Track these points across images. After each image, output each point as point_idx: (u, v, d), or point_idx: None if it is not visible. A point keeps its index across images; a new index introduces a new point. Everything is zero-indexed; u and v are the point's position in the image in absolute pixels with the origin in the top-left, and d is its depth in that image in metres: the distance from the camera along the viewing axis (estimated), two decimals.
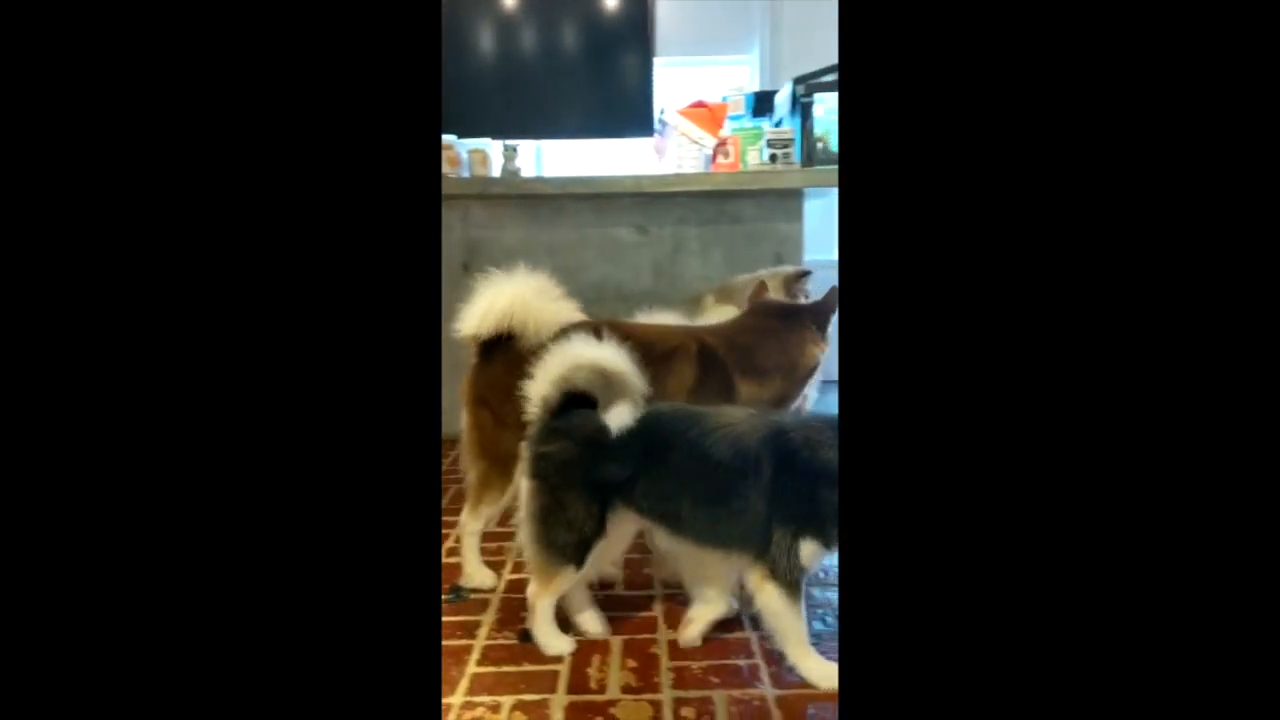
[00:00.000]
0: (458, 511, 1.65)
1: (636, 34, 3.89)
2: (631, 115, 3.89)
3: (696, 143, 2.39)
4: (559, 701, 1.15)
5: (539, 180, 2.50)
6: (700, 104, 2.50)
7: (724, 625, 1.35)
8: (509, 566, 1.62)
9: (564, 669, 1.23)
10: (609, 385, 1.21)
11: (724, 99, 2.51)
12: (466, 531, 1.54)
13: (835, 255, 3.95)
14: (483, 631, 1.36)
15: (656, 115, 2.72)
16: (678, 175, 2.49)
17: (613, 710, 1.12)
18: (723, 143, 2.40)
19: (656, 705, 1.13)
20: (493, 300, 1.45)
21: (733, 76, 3.81)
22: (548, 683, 1.19)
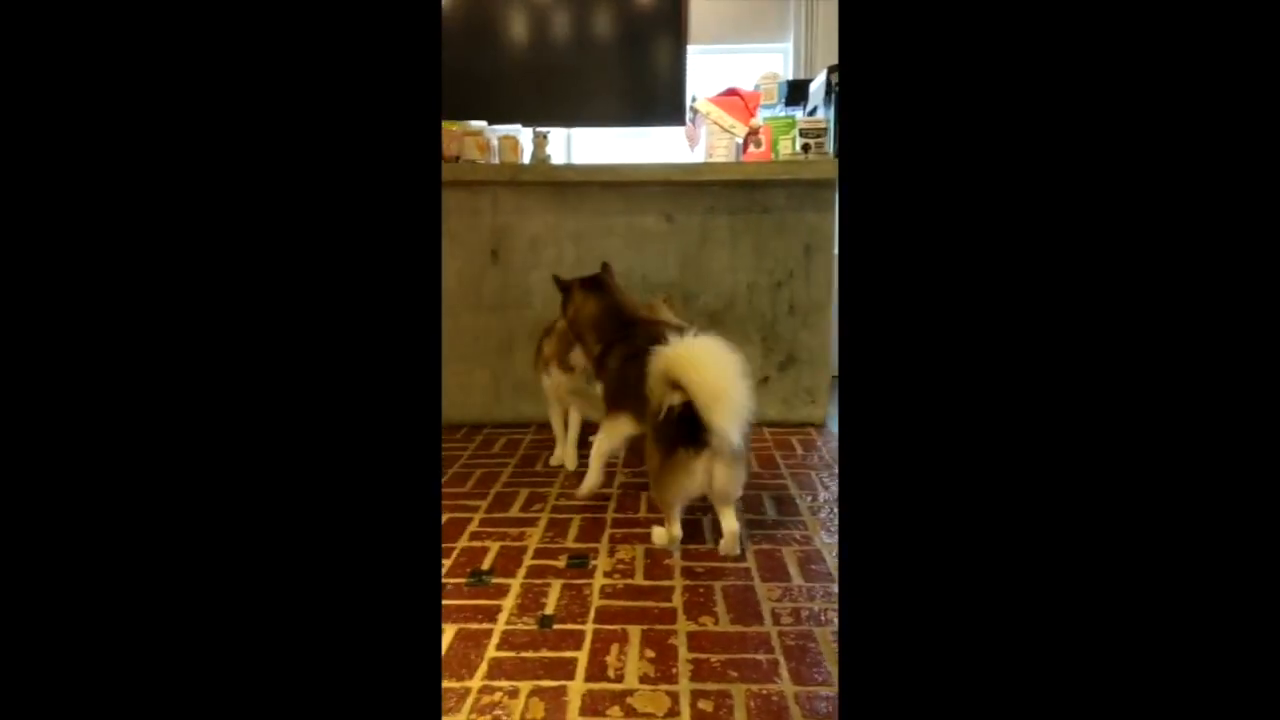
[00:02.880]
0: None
1: (670, 21, 3.85)
2: (663, 103, 3.85)
3: (728, 131, 2.36)
4: (576, 689, 1.15)
5: (567, 167, 2.48)
6: (733, 92, 2.46)
7: (745, 619, 1.34)
8: (529, 553, 1.63)
9: (582, 656, 1.23)
10: None
11: (756, 87, 2.47)
12: None
13: None
14: (502, 616, 1.36)
15: (688, 103, 2.69)
16: (707, 164, 2.46)
17: (630, 700, 1.12)
18: (754, 131, 2.36)
19: (674, 696, 1.13)
20: None
21: (766, 64, 3.75)
22: (566, 670, 1.20)
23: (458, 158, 2.51)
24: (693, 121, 2.60)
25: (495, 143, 2.56)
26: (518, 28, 3.92)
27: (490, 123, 2.67)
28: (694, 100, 2.60)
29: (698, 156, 2.63)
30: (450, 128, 2.52)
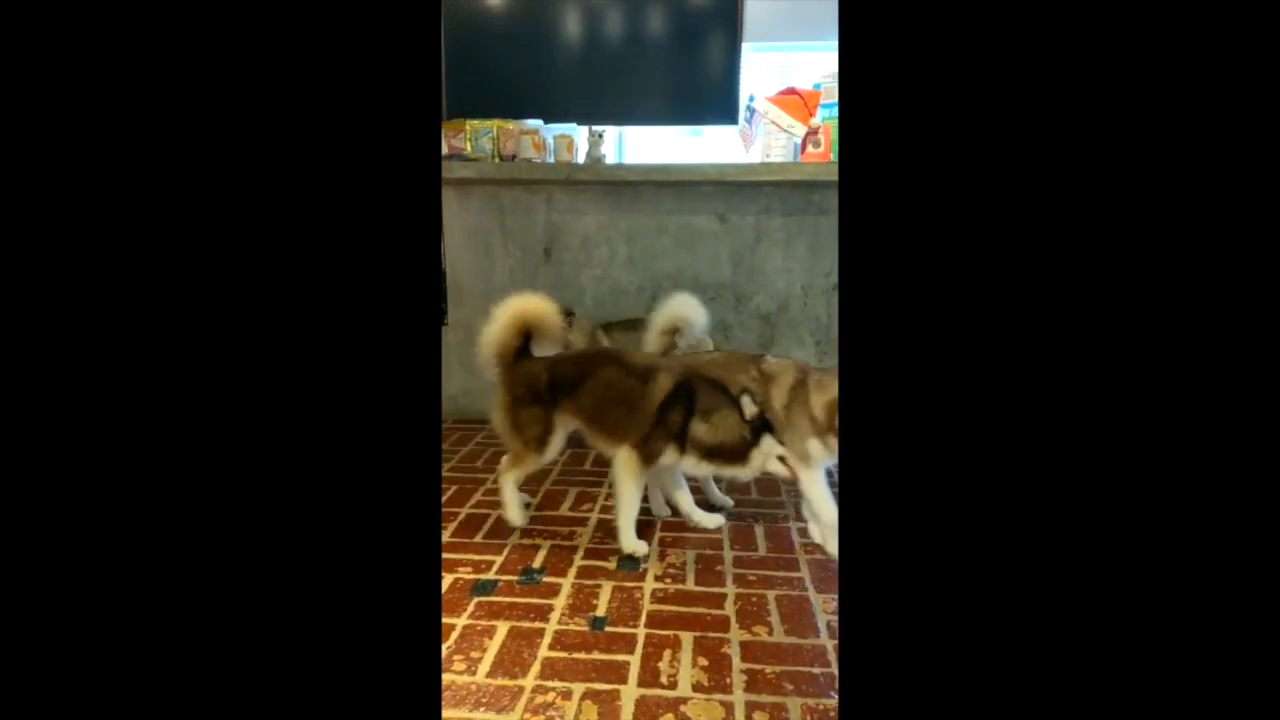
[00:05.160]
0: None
1: (725, 19, 3.81)
2: (716, 102, 3.82)
3: (786, 131, 2.32)
4: (629, 694, 1.14)
5: (620, 167, 2.47)
6: (792, 91, 2.42)
7: (800, 631, 1.32)
8: (580, 553, 1.62)
9: (634, 660, 1.22)
10: None
11: (816, 86, 2.42)
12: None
13: None
14: (554, 616, 1.36)
15: (744, 102, 2.65)
16: (764, 164, 2.42)
17: (684, 709, 1.11)
18: (814, 131, 2.32)
19: (728, 707, 1.11)
20: None
21: (825, 63, 3.68)
22: (618, 673, 1.19)
23: (514, 156, 2.52)
24: (748, 121, 2.56)
25: (551, 141, 2.57)
26: (572, 26, 3.93)
27: (546, 121, 2.69)
28: (751, 99, 2.55)
29: (753, 156, 2.59)
30: (507, 126, 2.54)
